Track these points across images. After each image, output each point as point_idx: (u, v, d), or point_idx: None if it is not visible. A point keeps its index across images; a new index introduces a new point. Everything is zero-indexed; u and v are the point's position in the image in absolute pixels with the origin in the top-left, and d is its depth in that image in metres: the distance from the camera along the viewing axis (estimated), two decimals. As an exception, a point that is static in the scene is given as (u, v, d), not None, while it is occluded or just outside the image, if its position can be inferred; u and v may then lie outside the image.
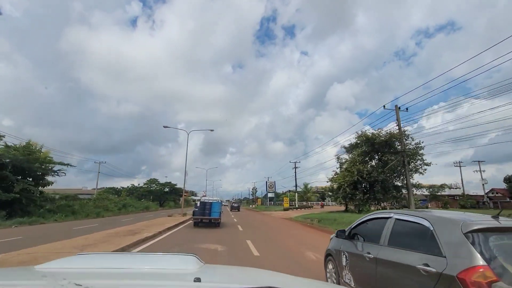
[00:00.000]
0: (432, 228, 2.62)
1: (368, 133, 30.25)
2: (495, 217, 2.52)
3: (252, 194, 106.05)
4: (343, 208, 36.92)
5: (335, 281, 4.28)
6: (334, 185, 30.89)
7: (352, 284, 3.72)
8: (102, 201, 36.90)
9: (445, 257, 2.33)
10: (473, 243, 2.23)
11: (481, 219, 2.51)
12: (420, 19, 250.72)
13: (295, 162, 51.43)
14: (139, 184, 67.05)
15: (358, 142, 31.21)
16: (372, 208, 28.27)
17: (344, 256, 4.02)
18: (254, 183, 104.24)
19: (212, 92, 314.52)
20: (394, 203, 35.31)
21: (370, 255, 3.30)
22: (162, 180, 68.27)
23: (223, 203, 35.66)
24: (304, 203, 63.34)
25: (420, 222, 2.82)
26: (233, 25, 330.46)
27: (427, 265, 2.42)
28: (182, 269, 1.52)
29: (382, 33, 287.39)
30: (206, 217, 15.27)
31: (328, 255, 4.73)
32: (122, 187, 65.44)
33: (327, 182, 33.78)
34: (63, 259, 1.64)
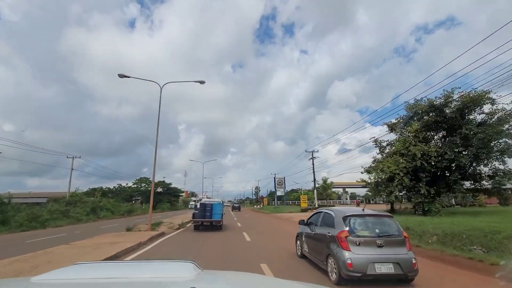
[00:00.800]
0: (334, 216, 5.79)
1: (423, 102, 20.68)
2: (362, 210, 5.74)
3: (255, 194, 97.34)
4: (383, 207, 27.52)
5: (300, 251, 7.43)
6: (382, 176, 21.07)
7: (306, 251, 6.87)
8: (65, 205, 28.11)
9: (335, 228, 5.45)
10: (344, 221, 5.31)
11: (352, 211, 5.72)
12: (420, 15, 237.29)
13: (312, 152, 41.98)
14: (127, 184, 57.81)
15: (411, 114, 21.74)
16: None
17: (304, 235, 7.16)
18: (257, 181, 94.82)
19: (213, 91, 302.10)
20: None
21: (312, 232, 6.54)
22: (157, 180, 58.59)
23: (224, 204, 28.44)
24: (320, 202, 53.79)
25: (330, 213, 6.04)
26: (232, 24, 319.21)
27: (329, 232, 5.54)
28: (178, 277, 1.47)
29: (382, 30, 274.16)
30: (207, 219, 14.20)
31: (297, 236, 7.85)
32: (107, 188, 56.13)
33: (363, 173, 23.90)
34: (60, 269, 1.60)
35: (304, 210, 35.54)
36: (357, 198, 66.80)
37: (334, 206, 47.18)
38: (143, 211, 42.82)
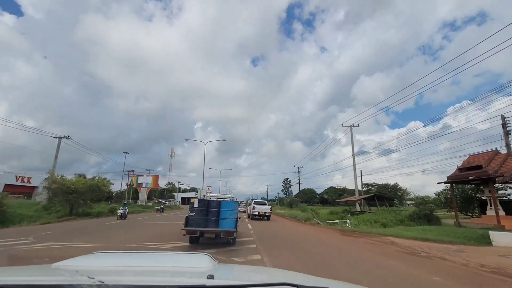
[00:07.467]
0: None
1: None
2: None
3: (283, 191, 74.72)
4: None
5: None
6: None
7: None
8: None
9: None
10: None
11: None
12: (449, 11, 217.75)
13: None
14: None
15: None
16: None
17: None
18: (288, 174, 78.60)
19: (232, 87, 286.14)
20: None
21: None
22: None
23: (240, 204, 24.94)
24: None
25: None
26: (255, 15, 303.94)
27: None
28: (195, 267, 1.54)
29: (411, 23, 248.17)
30: (211, 228, 8.72)
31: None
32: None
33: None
34: (79, 257, 1.66)
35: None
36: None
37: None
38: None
